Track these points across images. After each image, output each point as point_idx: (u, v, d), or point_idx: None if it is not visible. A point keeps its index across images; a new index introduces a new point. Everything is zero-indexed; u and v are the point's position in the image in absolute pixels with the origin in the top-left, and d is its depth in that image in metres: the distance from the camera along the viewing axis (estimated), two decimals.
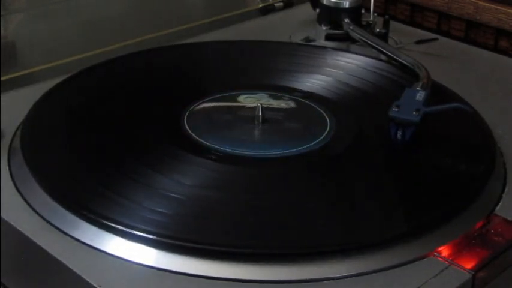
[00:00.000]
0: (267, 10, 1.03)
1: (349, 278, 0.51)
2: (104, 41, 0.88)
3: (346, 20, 0.85)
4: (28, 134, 0.65)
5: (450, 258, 0.52)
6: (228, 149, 0.63)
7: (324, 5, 0.87)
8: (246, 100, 0.71)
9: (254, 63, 0.79)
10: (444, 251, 0.53)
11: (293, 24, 0.93)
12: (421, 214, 0.56)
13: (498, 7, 0.94)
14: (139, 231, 0.53)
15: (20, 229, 0.55)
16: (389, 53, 0.78)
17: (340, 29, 0.86)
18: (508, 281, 0.56)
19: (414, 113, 0.62)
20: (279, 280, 0.51)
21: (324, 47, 0.83)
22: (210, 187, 0.59)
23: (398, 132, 0.62)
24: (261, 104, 0.68)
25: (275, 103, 0.71)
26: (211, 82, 0.75)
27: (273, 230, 0.54)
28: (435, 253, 0.53)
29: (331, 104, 0.71)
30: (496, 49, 0.95)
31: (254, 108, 0.68)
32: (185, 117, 0.68)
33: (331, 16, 0.87)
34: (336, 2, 0.86)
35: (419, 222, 0.55)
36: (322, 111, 0.70)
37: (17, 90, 0.76)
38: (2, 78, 0.79)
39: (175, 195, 0.57)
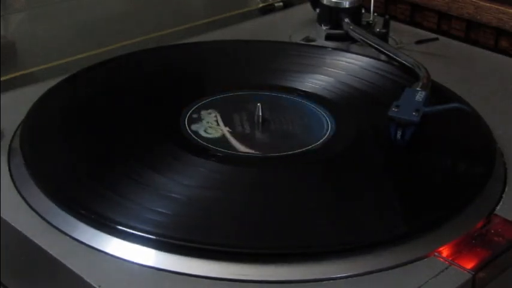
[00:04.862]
0: (267, 10, 1.03)
1: (349, 278, 0.51)
2: (103, 41, 0.88)
3: (346, 20, 0.85)
4: (28, 134, 0.65)
5: (450, 258, 0.52)
6: (227, 149, 0.63)
7: (324, 5, 0.87)
8: (210, 132, 0.67)
9: (254, 63, 0.79)
10: (444, 251, 0.53)
11: (293, 24, 0.93)
12: (421, 214, 0.56)
13: (498, 7, 0.94)
14: (139, 231, 0.53)
15: (20, 229, 0.55)
16: (389, 53, 0.78)
17: (340, 29, 0.86)
18: (508, 281, 0.55)
19: (414, 113, 0.62)
20: (279, 280, 0.51)
21: (324, 47, 0.83)
22: (210, 187, 0.59)
23: (398, 132, 0.62)
24: (261, 104, 0.68)
25: (209, 118, 0.69)
26: (211, 82, 0.75)
27: (273, 230, 0.54)
28: (435, 253, 0.53)
29: (331, 104, 0.71)
30: (496, 49, 0.95)
31: (254, 109, 0.68)
32: (185, 118, 0.68)
33: (331, 16, 0.87)
34: (336, 2, 0.86)
35: (419, 222, 0.55)
36: (322, 111, 0.70)
37: (17, 90, 0.76)
38: (2, 78, 0.79)
39: (175, 195, 0.57)
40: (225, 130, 0.66)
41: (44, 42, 0.86)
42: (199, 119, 0.68)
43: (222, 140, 0.65)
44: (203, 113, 0.69)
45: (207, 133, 0.66)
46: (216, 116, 0.68)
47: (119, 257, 0.52)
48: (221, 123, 0.67)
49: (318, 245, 0.52)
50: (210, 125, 0.67)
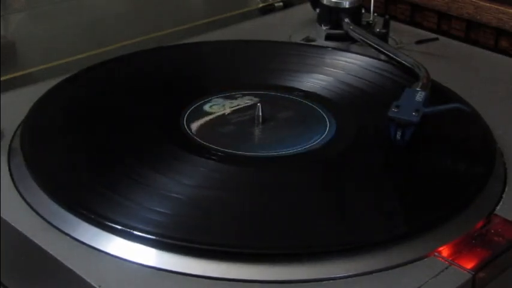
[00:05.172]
0: (267, 10, 1.03)
1: (349, 278, 0.51)
2: (104, 41, 0.88)
3: (346, 20, 0.85)
4: (28, 134, 0.65)
5: (450, 258, 0.52)
6: (227, 148, 0.63)
7: (324, 5, 0.87)
8: (213, 108, 0.70)
9: (254, 63, 0.79)
10: (444, 251, 0.53)
11: (293, 24, 0.93)
12: (421, 214, 0.56)
13: (498, 7, 0.94)
14: (139, 231, 0.53)
15: (20, 229, 0.55)
16: (389, 53, 0.78)
17: (340, 29, 0.86)
18: (508, 281, 0.55)
19: (414, 113, 0.62)
20: (279, 280, 0.51)
21: (324, 47, 0.83)
22: (209, 187, 0.59)
23: (398, 132, 0.62)
24: (261, 104, 0.68)
25: (240, 102, 0.71)
26: (211, 82, 0.75)
27: (273, 230, 0.54)
28: (435, 253, 0.53)
29: (331, 104, 0.71)
30: (496, 49, 0.95)
31: (254, 108, 0.68)
32: (185, 117, 0.68)
33: (331, 16, 0.87)
34: (336, 2, 0.86)
35: (419, 222, 0.55)
36: (322, 111, 0.70)
37: (17, 90, 0.76)
38: (2, 78, 0.79)
39: (175, 195, 0.57)
40: (221, 113, 0.68)
41: (44, 42, 0.87)
42: (232, 98, 0.71)
43: (203, 116, 0.68)
44: (248, 97, 0.71)
45: (210, 108, 0.69)
46: (246, 103, 0.70)
47: (119, 257, 0.52)
48: (234, 108, 0.69)
49: (318, 245, 0.52)
50: (224, 104, 0.70)
